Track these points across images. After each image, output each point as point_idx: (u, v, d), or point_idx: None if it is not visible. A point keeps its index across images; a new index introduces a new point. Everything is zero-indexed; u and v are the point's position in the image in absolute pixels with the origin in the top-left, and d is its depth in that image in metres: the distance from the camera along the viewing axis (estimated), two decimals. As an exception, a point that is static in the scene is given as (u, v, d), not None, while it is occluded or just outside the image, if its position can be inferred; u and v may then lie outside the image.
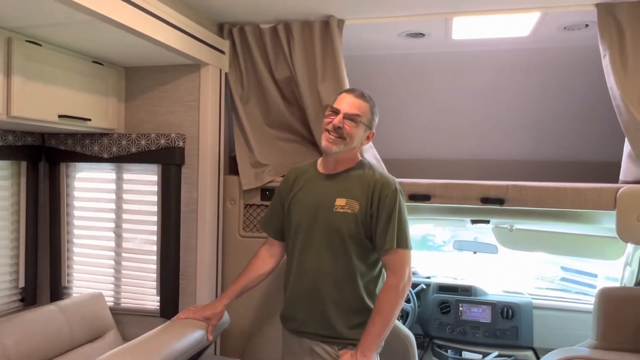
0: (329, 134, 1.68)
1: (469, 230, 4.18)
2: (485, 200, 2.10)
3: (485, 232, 3.65)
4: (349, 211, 1.67)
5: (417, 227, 4.49)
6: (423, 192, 2.16)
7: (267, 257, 1.93)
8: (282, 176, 2.29)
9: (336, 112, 1.68)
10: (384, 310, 1.62)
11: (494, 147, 2.83)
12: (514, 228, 2.95)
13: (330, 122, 1.67)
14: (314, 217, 1.72)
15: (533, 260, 4.91)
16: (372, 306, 1.69)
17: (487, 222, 2.71)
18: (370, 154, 2.32)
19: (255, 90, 2.37)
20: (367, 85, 2.74)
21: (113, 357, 1.48)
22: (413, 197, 2.17)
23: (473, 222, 2.70)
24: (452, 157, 2.90)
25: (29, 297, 2.31)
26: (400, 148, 2.89)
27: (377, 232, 1.66)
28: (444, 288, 3.14)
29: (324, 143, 1.70)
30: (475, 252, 3.30)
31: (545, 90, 2.65)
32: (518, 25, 2.26)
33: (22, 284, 2.29)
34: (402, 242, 1.64)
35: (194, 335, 1.77)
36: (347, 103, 1.69)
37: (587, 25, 2.20)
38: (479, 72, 2.70)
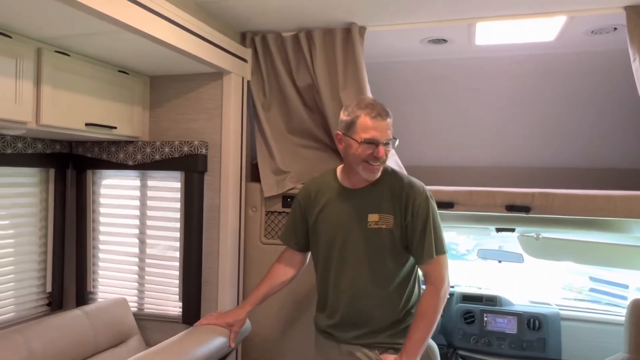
0: (371, 164, 1.61)
1: (493, 239, 4.10)
2: (511, 208, 2.05)
3: (510, 241, 3.58)
4: (384, 226, 1.65)
5: None
6: (446, 200, 2.13)
7: (288, 265, 1.92)
8: (302, 183, 2.30)
9: (374, 142, 1.59)
10: (428, 315, 1.62)
11: (518, 153, 2.78)
12: (540, 237, 2.88)
13: (371, 154, 1.59)
14: (347, 235, 1.69)
15: (560, 270, 4.79)
16: (411, 309, 1.71)
17: (513, 230, 2.65)
18: (393, 160, 2.31)
19: (277, 97, 2.38)
20: (389, 92, 2.74)
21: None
22: (436, 205, 2.14)
23: (498, 230, 2.64)
24: (475, 165, 2.85)
25: (55, 302, 2.36)
26: (422, 155, 2.86)
27: (413, 242, 1.65)
28: (468, 298, 3.08)
29: (366, 174, 1.65)
30: (500, 261, 3.23)
31: (571, 96, 2.59)
32: (543, 30, 2.22)
33: (49, 288, 2.34)
34: (440, 249, 1.65)
35: (215, 342, 1.77)
36: (383, 131, 1.60)
37: (615, 29, 2.14)
38: (503, 77, 2.66)
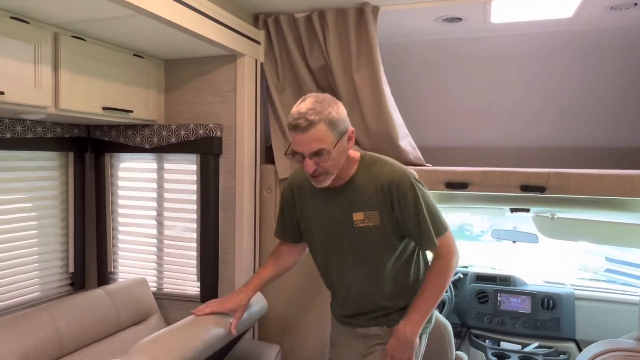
0: (312, 177, 1.50)
1: (507, 220, 4.08)
2: (525, 188, 2.05)
3: (524, 222, 3.57)
4: (371, 224, 1.54)
5: (454, 216, 4.43)
6: (460, 180, 2.13)
7: (289, 252, 1.83)
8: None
9: (299, 154, 1.45)
10: (437, 286, 1.58)
11: (534, 133, 2.75)
12: (555, 217, 2.87)
13: (303, 166, 1.47)
14: (338, 236, 1.60)
15: (576, 251, 4.76)
16: (417, 286, 1.65)
17: (527, 210, 2.64)
18: (406, 141, 2.31)
19: (291, 79, 2.39)
20: (403, 72, 2.72)
21: (157, 339, 1.54)
22: (450, 185, 2.14)
23: (512, 210, 2.64)
24: (490, 145, 2.83)
25: (78, 282, 2.43)
26: (436, 136, 2.85)
27: (411, 233, 1.56)
28: (481, 277, 3.10)
29: (315, 184, 1.52)
30: (514, 242, 3.23)
31: (589, 74, 2.54)
32: (561, 6, 2.17)
33: (71, 269, 2.41)
34: (439, 231, 1.56)
35: (232, 320, 1.81)
36: (303, 145, 1.42)
37: (635, 4, 2.09)
38: (519, 56, 2.62)
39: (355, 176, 1.56)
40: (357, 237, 1.57)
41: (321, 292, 2.26)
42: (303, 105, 1.43)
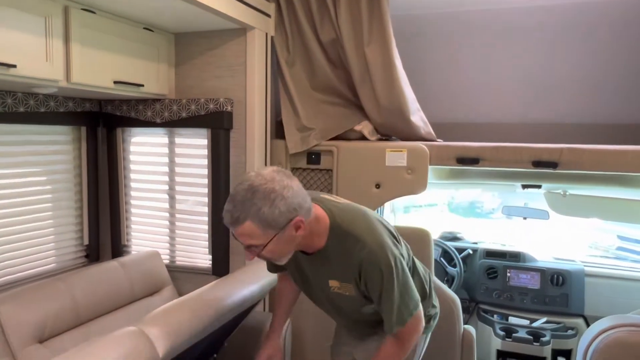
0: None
1: (518, 197, 4.06)
2: (538, 164, 2.03)
3: (536, 199, 3.54)
4: (347, 293, 1.47)
5: (465, 193, 4.40)
6: (472, 156, 2.12)
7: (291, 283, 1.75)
8: (330, 139, 2.31)
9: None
10: None
11: (547, 109, 2.70)
12: (567, 193, 2.84)
13: None
14: (318, 292, 1.56)
15: (587, 229, 4.72)
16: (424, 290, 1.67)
17: (539, 187, 2.62)
18: (418, 116, 2.29)
19: (301, 53, 2.36)
20: (418, 46, 2.68)
21: (170, 309, 1.58)
22: (461, 161, 2.13)
23: (524, 187, 2.62)
24: (502, 121, 2.79)
25: (92, 254, 2.48)
26: (448, 111, 2.81)
27: (379, 310, 1.46)
28: (491, 254, 3.10)
29: None
30: (525, 218, 3.21)
31: (606, 47, 2.48)
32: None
33: (86, 241, 2.46)
34: (403, 319, 1.42)
35: (243, 292, 1.85)
36: (239, 237, 1.30)
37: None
38: (533, 29, 2.56)
39: (326, 248, 1.40)
40: (335, 297, 1.51)
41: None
42: (232, 196, 1.26)
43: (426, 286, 1.69)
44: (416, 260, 1.68)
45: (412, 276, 1.53)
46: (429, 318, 1.67)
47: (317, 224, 1.36)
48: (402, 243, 1.58)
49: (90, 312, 1.94)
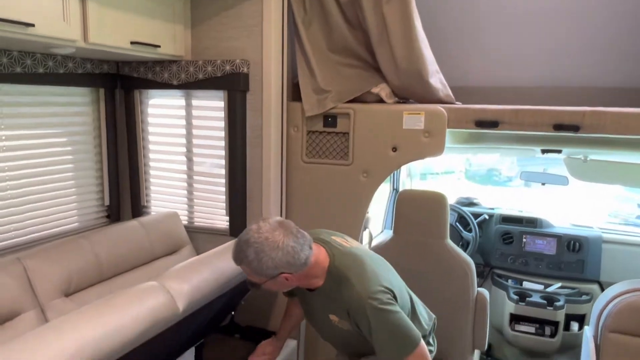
0: None
1: (537, 164, 4.00)
2: (559, 127, 1.99)
3: (555, 166, 3.49)
4: (345, 328, 1.58)
5: (482, 160, 4.34)
6: (491, 119, 2.08)
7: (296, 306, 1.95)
8: (347, 102, 2.29)
9: None
10: None
11: (569, 72, 2.61)
12: (588, 159, 2.79)
13: None
14: (320, 323, 1.69)
15: (607, 196, 4.66)
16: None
17: (559, 152, 2.58)
18: (437, 78, 2.25)
19: (318, 13, 2.32)
20: (433, 7, 2.60)
21: (190, 265, 1.63)
22: (480, 124, 2.10)
23: (543, 152, 2.58)
24: (522, 84, 2.72)
25: (113, 214, 2.55)
26: (466, 74, 2.74)
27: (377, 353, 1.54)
28: (507, 219, 3.09)
29: None
30: (543, 184, 3.18)
31: (630, 7, 2.37)
32: None
33: (107, 202, 2.52)
34: (405, 352, 1.48)
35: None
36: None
37: None
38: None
39: (324, 287, 1.56)
40: (337, 329, 1.62)
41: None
42: (237, 240, 1.50)
43: (426, 328, 1.76)
44: (419, 306, 1.75)
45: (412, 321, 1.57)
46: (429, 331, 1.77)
47: (314, 268, 1.52)
48: (400, 294, 1.60)
49: (113, 268, 2.01)
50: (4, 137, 1.99)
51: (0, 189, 2.00)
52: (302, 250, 1.45)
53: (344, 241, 1.66)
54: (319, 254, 1.54)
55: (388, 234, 3.21)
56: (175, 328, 1.50)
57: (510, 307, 2.78)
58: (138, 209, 2.59)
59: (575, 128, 1.96)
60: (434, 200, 2.23)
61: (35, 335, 1.11)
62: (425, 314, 1.80)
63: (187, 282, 1.50)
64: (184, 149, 2.47)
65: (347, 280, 1.49)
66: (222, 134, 2.34)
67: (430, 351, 1.78)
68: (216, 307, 1.89)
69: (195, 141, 2.43)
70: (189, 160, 2.47)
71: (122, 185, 2.60)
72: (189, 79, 2.29)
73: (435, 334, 1.89)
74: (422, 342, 1.50)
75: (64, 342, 1.11)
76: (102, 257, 1.95)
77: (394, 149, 2.22)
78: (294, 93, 2.45)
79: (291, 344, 2.24)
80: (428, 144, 2.16)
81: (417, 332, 1.49)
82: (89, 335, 1.15)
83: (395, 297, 1.52)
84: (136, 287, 1.39)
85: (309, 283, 1.56)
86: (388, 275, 1.61)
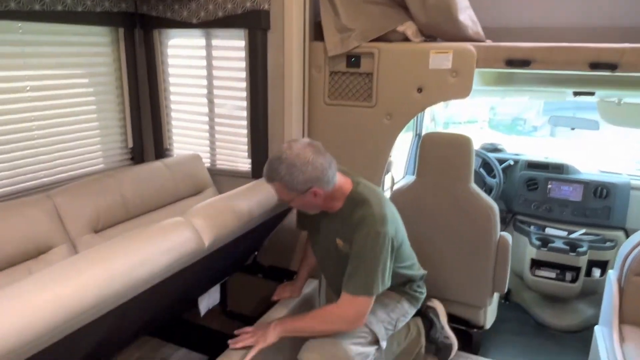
0: None
1: (566, 109, 3.86)
2: (595, 66, 1.88)
3: (584, 112, 3.37)
4: (344, 251, 1.67)
5: (511, 101, 4.19)
6: (522, 57, 1.98)
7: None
8: (371, 41, 2.20)
9: None
10: (316, 323, 1.66)
11: (606, 11, 2.46)
12: (622, 102, 2.67)
13: None
14: (324, 249, 1.81)
15: (637, 142, 4.50)
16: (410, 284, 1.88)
17: (592, 94, 2.47)
18: (466, 14, 2.14)
19: (342, -55, 2.19)
20: None
21: (214, 203, 1.64)
22: (511, 63, 2.01)
23: (575, 94, 2.47)
24: (555, 24, 2.58)
25: (137, 156, 2.57)
26: (497, 14, 2.60)
27: (347, 269, 1.62)
28: (533, 165, 3.02)
29: None
30: (573, 129, 3.07)
31: None
32: None
33: (130, 144, 2.54)
34: (356, 290, 1.58)
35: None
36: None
37: None
38: None
39: (340, 211, 1.67)
40: (339, 254, 1.70)
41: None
42: (268, 160, 1.59)
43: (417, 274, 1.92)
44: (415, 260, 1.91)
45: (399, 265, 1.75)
46: (411, 297, 1.91)
47: (337, 191, 1.64)
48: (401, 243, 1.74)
49: (139, 207, 2.05)
50: (27, 77, 2.00)
51: (27, 128, 2.03)
52: (330, 168, 1.56)
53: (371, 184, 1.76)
54: (343, 180, 1.66)
55: (410, 179, 3.19)
56: (200, 263, 1.54)
57: (531, 252, 2.77)
58: (161, 151, 2.60)
59: (612, 67, 1.86)
60: (459, 143, 2.18)
61: (68, 264, 1.15)
62: (417, 267, 1.95)
63: (212, 219, 1.52)
64: (205, 91, 2.44)
65: (367, 202, 1.61)
66: (243, 74, 2.29)
67: (422, 293, 1.95)
68: (240, 246, 1.92)
69: (216, 82, 2.40)
70: (210, 102, 2.45)
71: (145, 128, 2.60)
72: (209, 17, 2.23)
73: (455, 276, 1.93)
74: (373, 299, 1.59)
75: (95, 271, 1.14)
76: (127, 196, 1.99)
77: (419, 90, 2.16)
78: (316, 32, 2.36)
79: (312, 283, 2.28)
80: (455, 85, 2.09)
81: (378, 288, 1.57)
82: (118, 265, 1.19)
83: (393, 248, 1.61)
84: (163, 222, 1.41)
85: (330, 205, 1.66)
86: (401, 227, 1.74)
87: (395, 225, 1.67)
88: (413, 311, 1.95)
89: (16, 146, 2.00)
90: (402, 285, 1.89)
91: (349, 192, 1.66)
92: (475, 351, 2.46)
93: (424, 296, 1.96)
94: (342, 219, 1.66)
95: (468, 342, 2.42)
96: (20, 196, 1.94)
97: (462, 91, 2.09)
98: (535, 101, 5.75)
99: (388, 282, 1.62)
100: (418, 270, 1.94)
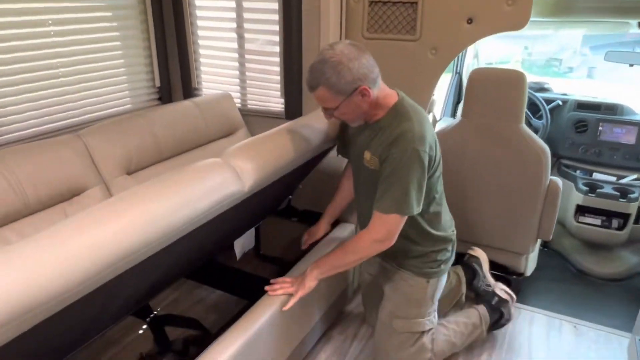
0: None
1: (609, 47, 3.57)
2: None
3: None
4: (372, 167, 1.56)
5: (565, 33, 3.85)
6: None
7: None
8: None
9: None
10: (346, 252, 1.57)
11: None
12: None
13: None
14: (356, 167, 1.69)
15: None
16: (436, 239, 1.69)
17: (660, 25, 2.23)
18: None
19: None
20: None
21: (253, 144, 1.54)
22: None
23: (640, 25, 2.24)
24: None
25: (165, 96, 2.47)
26: None
27: (379, 185, 1.51)
28: (583, 106, 2.82)
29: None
30: (631, 65, 2.82)
31: None
32: None
33: (157, 83, 2.43)
34: (389, 208, 1.47)
35: (319, 134, 1.78)
36: (317, 100, 1.49)
37: None
38: None
39: (380, 121, 1.54)
40: (365, 174, 1.61)
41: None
42: (310, 67, 1.43)
43: (446, 218, 1.74)
44: (446, 208, 1.75)
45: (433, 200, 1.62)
46: (439, 263, 1.72)
47: (382, 98, 1.51)
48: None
49: (171, 148, 1.97)
50: (50, 22, 1.89)
51: (52, 66, 1.93)
52: (375, 66, 1.45)
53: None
54: (388, 91, 1.54)
55: (448, 120, 3.03)
56: (239, 207, 1.46)
57: (577, 198, 2.63)
58: (189, 90, 2.49)
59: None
60: (511, 80, 2.00)
61: (105, 207, 1.08)
62: (449, 218, 1.79)
63: (252, 161, 1.42)
64: (234, 25, 2.28)
65: (409, 118, 1.49)
66: (276, 6, 2.13)
67: (447, 259, 1.78)
68: (277, 189, 1.84)
69: (246, 15, 2.24)
70: (240, 38, 2.30)
71: (172, 67, 2.48)
72: (238, -59, 2.04)
73: (498, 222, 1.91)
74: (405, 219, 1.50)
75: (134, 213, 1.07)
76: (159, 136, 1.91)
77: (469, 21, 1.96)
78: (355, -44, 2.15)
79: (348, 227, 2.22)
80: (511, 14, 1.88)
81: (411, 209, 1.47)
82: (158, 208, 1.11)
83: (429, 166, 1.50)
84: (201, 163, 1.33)
85: (373, 113, 1.54)
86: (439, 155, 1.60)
87: (433, 141, 1.54)
88: (445, 275, 1.83)
89: (41, 85, 1.92)
90: (427, 259, 1.74)
91: (393, 103, 1.53)
92: (513, 298, 2.39)
93: (452, 256, 1.82)
94: (379, 130, 1.54)
95: (506, 289, 2.36)
96: (51, 136, 1.87)
97: (519, 21, 1.89)
98: (572, 41, 5.39)
99: (420, 206, 1.51)
100: (446, 223, 1.77)
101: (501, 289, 2.08)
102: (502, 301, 2.04)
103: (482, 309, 2.01)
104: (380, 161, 1.51)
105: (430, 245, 1.70)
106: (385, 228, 1.50)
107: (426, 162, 1.46)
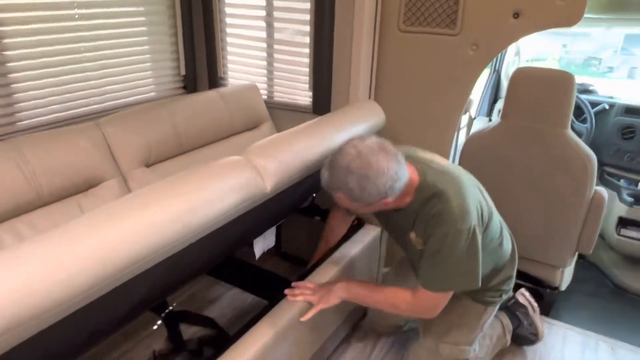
0: None
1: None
2: None
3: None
4: (418, 247, 1.46)
5: (617, 32, 3.64)
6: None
7: (341, 223, 1.95)
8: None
9: None
10: (384, 298, 1.50)
11: None
12: None
13: None
14: (401, 240, 1.59)
15: None
16: (497, 270, 1.62)
17: None
18: None
19: None
20: None
21: (276, 142, 1.45)
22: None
23: None
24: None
25: (190, 85, 2.40)
26: None
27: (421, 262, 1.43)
28: (632, 111, 2.63)
29: None
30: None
31: None
32: None
33: (183, 72, 2.36)
34: (434, 285, 1.40)
35: (348, 132, 1.68)
36: None
37: None
38: None
39: (410, 206, 1.43)
40: (412, 249, 1.51)
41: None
42: (331, 163, 1.32)
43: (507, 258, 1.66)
44: (505, 232, 1.65)
45: (488, 246, 1.51)
46: (501, 292, 1.67)
47: (407, 187, 1.38)
48: (489, 217, 1.48)
49: (192, 141, 1.90)
50: (75, 5, 1.83)
51: (75, 50, 1.88)
52: (403, 172, 1.33)
53: (434, 157, 1.52)
54: (409, 170, 1.39)
55: (483, 120, 2.88)
56: (260, 207, 1.38)
57: (620, 209, 2.47)
58: (215, 80, 2.41)
59: None
60: (559, 81, 1.86)
61: (123, 204, 1.01)
62: (509, 237, 1.70)
63: (274, 160, 1.33)
64: (263, 13, 2.18)
65: (441, 195, 1.36)
66: (308, -7, 2.02)
67: (507, 290, 1.70)
68: (301, 188, 1.75)
69: (276, 3, 2.14)
70: (269, 27, 2.20)
71: (199, 55, 2.41)
72: None
73: (535, 232, 1.82)
74: (451, 294, 1.44)
75: (152, 212, 1.00)
76: (180, 128, 1.83)
77: (516, 15, 1.81)
78: (394, -57, 2.02)
79: (374, 230, 2.12)
80: (563, 9, 1.72)
81: (457, 283, 1.41)
82: (177, 206, 1.04)
83: (482, 218, 1.42)
84: (221, 160, 1.24)
85: (400, 203, 1.42)
86: (484, 195, 1.50)
87: (477, 202, 1.41)
88: (497, 307, 1.75)
89: (64, 69, 1.86)
90: (491, 289, 1.66)
91: (417, 183, 1.40)
92: (545, 312, 2.26)
93: (511, 287, 1.72)
94: (414, 214, 1.43)
95: (538, 303, 2.22)
96: (72, 122, 1.82)
97: (572, 17, 1.73)
98: (613, 39, 5.13)
99: (477, 279, 1.41)
100: (507, 252, 1.68)
101: (521, 294, 2.00)
102: (518, 304, 1.96)
103: (504, 318, 1.93)
104: (424, 241, 1.43)
105: (495, 280, 1.64)
106: (431, 302, 1.45)
107: (472, 236, 1.36)
